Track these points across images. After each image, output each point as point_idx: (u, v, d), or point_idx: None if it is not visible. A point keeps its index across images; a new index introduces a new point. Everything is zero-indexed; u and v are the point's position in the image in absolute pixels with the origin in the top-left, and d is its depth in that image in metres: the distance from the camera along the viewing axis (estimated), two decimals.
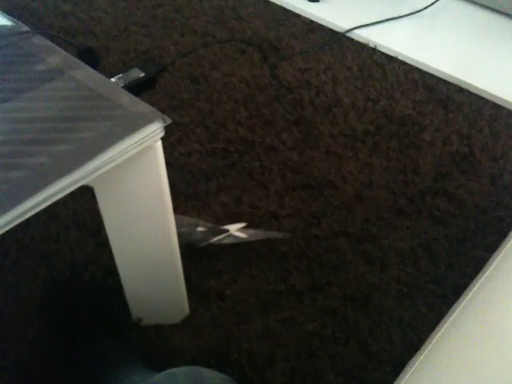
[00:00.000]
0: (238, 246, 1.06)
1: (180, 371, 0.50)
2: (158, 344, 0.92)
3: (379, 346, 0.92)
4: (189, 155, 1.24)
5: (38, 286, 1.00)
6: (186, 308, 0.94)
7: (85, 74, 0.74)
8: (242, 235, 1.06)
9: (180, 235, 0.83)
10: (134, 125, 0.66)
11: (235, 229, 1.05)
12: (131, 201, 0.75)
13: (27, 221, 0.59)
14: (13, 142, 0.64)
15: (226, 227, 1.05)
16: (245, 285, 1.01)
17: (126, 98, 0.70)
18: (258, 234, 1.07)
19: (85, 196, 1.14)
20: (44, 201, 0.59)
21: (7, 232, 0.57)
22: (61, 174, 0.60)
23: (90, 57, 0.82)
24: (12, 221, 0.57)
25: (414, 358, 0.90)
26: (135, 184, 0.73)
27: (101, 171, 0.64)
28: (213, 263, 1.04)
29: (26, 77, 0.73)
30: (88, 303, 0.90)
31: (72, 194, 1.16)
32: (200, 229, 1.04)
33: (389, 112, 1.35)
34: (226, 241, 1.05)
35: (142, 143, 0.66)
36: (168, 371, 0.51)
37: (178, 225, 0.82)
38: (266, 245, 1.07)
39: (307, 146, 1.26)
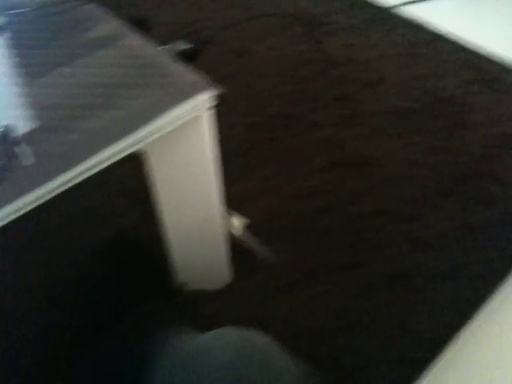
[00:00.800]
0: (278, 219, 1.07)
1: (229, 332, 0.50)
2: (200, 308, 0.93)
3: (420, 325, 0.92)
4: (231, 127, 1.24)
5: (85, 247, 1.02)
6: (228, 275, 0.96)
7: (137, 42, 0.75)
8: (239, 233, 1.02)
9: None
10: (184, 93, 0.66)
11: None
12: (180, 167, 0.76)
13: (78, 185, 0.61)
14: (68, 105, 0.65)
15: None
16: (285, 257, 1.01)
17: (177, 68, 0.70)
18: (250, 241, 1.03)
19: (132, 165, 1.15)
20: (99, 163, 0.60)
21: (59, 194, 0.59)
22: (115, 139, 0.61)
23: (141, 26, 0.82)
24: (69, 181, 0.58)
25: (455, 339, 0.90)
26: (184, 151, 0.73)
27: (152, 138, 0.65)
28: (255, 235, 1.04)
29: (80, 43, 0.74)
30: (135, 266, 0.91)
31: (120, 163, 1.19)
32: None
33: (435, 91, 1.32)
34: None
35: (192, 112, 0.66)
36: (217, 331, 0.52)
37: None
38: (310, 219, 1.07)
39: (351, 122, 1.25)
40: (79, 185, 0.61)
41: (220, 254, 0.92)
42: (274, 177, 1.15)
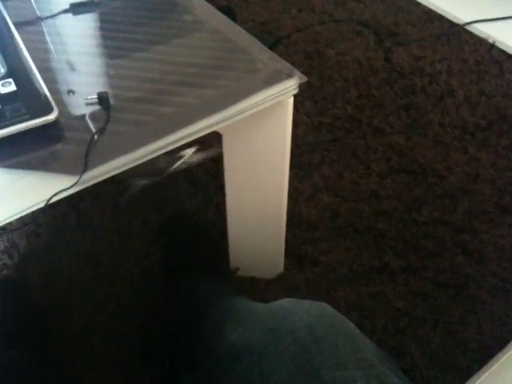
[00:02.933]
0: (334, 218, 1.09)
1: (300, 300, 0.52)
2: (252, 295, 0.96)
3: (468, 335, 0.92)
4: (296, 126, 1.27)
5: (147, 227, 1.07)
6: (281, 266, 0.98)
7: (228, 27, 0.78)
8: (194, 158, 1.04)
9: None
10: (272, 78, 0.69)
11: (190, 153, 1.03)
12: (254, 152, 0.79)
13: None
14: (163, 81, 0.69)
15: (181, 153, 1.03)
16: (339, 255, 1.03)
17: (266, 54, 0.74)
18: (207, 153, 1.04)
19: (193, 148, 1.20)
20: (186, 136, 0.64)
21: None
22: (204, 115, 0.65)
23: (228, 15, 0.86)
24: (157, 150, 0.62)
25: (502, 352, 0.89)
26: (261, 136, 0.76)
27: (234, 119, 0.68)
28: (310, 231, 1.07)
29: (176, 25, 0.78)
30: (193, 245, 0.95)
31: (181, 145, 1.23)
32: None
33: (502, 109, 1.31)
34: (182, 166, 1.04)
35: (277, 97, 0.69)
36: (284, 299, 0.54)
37: None
38: (365, 221, 1.08)
39: (415, 132, 1.25)
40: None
41: (278, 243, 0.94)
42: (333, 177, 1.17)
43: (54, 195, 0.54)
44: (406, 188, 1.15)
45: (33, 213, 0.54)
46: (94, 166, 0.57)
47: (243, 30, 0.78)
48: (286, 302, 0.52)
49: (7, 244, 1.01)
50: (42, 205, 0.54)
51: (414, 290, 0.98)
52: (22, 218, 0.54)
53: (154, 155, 0.62)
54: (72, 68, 0.70)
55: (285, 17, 1.59)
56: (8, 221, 0.53)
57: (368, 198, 1.13)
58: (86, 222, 1.07)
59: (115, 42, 0.75)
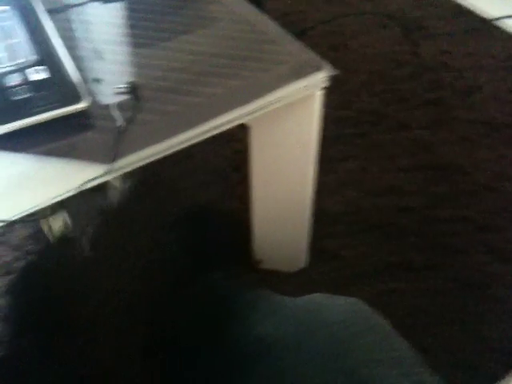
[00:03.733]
0: (357, 213, 1.08)
1: (332, 296, 0.52)
2: (272, 288, 0.96)
3: (490, 333, 0.91)
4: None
5: (167, 214, 1.07)
6: (303, 259, 0.98)
7: (256, 18, 0.78)
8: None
9: None
10: (301, 71, 0.69)
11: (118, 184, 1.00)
12: (281, 145, 0.79)
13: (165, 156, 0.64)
14: (191, 71, 0.69)
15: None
16: (360, 250, 1.03)
17: (295, 45, 0.73)
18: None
19: (218, 142, 1.20)
20: (215, 128, 0.64)
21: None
22: (232, 106, 0.65)
23: (256, 5, 0.86)
24: (186, 141, 0.62)
25: None
26: (289, 130, 0.76)
27: (262, 111, 0.68)
28: (332, 225, 1.06)
29: (204, 14, 0.78)
30: (216, 236, 0.95)
31: (206, 139, 1.22)
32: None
33: None
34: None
35: (306, 89, 0.69)
36: (315, 294, 0.54)
37: None
38: (388, 217, 1.08)
39: (441, 127, 1.24)
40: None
41: (302, 237, 0.94)
42: (356, 171, 1.17)
43: (85, 183, 0.54)
44: (429, 184, 1.14)
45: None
46: (124, 155, 0.58)
47: (272, 21, 0.78)
48: (318, 297, 0.52)
49: (35, 230, 1.02)
50: (72, 192, 0.54)
51: (435, 288, 0.98)
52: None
53: (182, 146, 0.62)
54: (101, 57, 0.70)
55: (310, 8, 1.58)
56: (38, 208, 0.54)
57: (391, 193, 1.12)
58: (104, 211, 1.07)
59: (144, 31, 0.75)
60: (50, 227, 0.92)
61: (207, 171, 1.16)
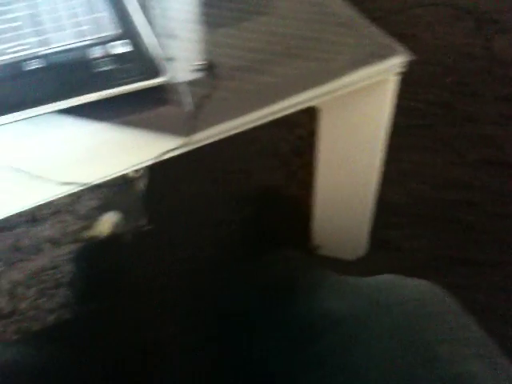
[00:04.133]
0: (420, 205, 1.06)
1: (401, 277, 0.52)
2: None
3: None
4: None
5: (227, 195, 1.09)
6: (363, 248, 0.98)
7: (334, 1, 0.78)
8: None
9: None
10: (376, 55, 0.68)
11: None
12: (351, 130, 0.79)
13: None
14: (265, 51, 0.69)
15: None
16: (422, 243, 1.01)
17: (371, 29, 0.73)
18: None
19: (282, 127, 1.20)
20: (287, 108, 0.64)
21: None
22: (305, 87, 0.65)
23: None
24: (259, 119, 0.63)
25: None
26: (360, 115, 0.76)
27: (336, 94, 0.68)
28: (395, 216, 1.05)
29: None
30: (279, 219, 0.96)
31: (270, 122, 1.23)
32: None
33: None
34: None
35: (381, 74, 0.68)
36: (384, 275, 0.53)
37: None
38: (452, 211, 1.05)
39: (511, 123, 1.20)
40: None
41: (363, 225, 0.94)
42: (421, 163, 1.15)
43: (164, 153, 0.56)
44: (496, 180, 1.10)
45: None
46: (199, 129, 0.59)
47: (347, 5, 0.77)
48: (389, 277, 0.52)
49: (101, 203, 1.06)
50: (151, 161, 0.56)
51: (496, 285, 0.95)
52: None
53: (255, 124, 0.63)
54: (179, 34, 0.72)
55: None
56: (118, 174, 0.56)
57: (457, 187, 1.10)
58: (172, 184, 1.10)
59: (220, 10, 0.76)
60: (100, 228, 0.95)
61: (270, 155, 1.16)
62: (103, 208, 1.04)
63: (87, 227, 1.04)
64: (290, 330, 0.52)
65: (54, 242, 1.02)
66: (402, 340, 0.42)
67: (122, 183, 1.01)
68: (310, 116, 1.23)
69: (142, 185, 1.02)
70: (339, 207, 0.91)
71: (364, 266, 0.97)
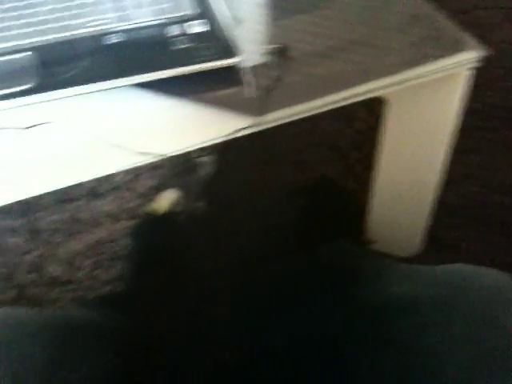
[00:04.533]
0: (479, 208, 1.04)
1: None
2: None
3: None
4: None
5: (283, 184, 1.10)
6: (418, 245, 0.97)
7: None
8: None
9: None
10: (450, 48, 0.68)
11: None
12: (418, 123, 0.78)
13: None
14: (339, 38, 0.69)
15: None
16: (480, 246, 0.99)
17: (446, 23, 0.72)
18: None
19: (340, 120, 1.20)
20: (356, 95, 0.64)
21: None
22: (376, 76, 0.65)
23: None
24: (329, 104, 0.63)
25: None
26: (429, 109, 0.75)
27: (406, 85, 0.67)
28: (453, 217, 1.04)
29: None
30: (335, 211, 0.96)
31: (329, 114, 1.23)
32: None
33: None
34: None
35: (454, 68, 0.68)
36: (465, 264, 0.53)
37: None
38: (509, 216, 1.03)
39: None
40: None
41: (420, 223, 0.93)
42: (480, 166, 1.12)
43: (235, 131, 0.57)
44: None
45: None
46: (270, 110, 0.60)
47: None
48: (462, 266, 0.51)
49: (159, 182, 1.09)
50: (223, 138, 0.57)
51: None
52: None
53: (324, 109, 0.64)
54: (253, 17, 0.73)
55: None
56: (190, 149, 0.57)
57: None
58: (224, 172, 1.11)
59: None
60: (159, 204, 0.97)
61: (327, 147, 1.16)
62: (161, 188, 1.07)
63: (145, 205, 1.06)
64: (358, 312, 0.52)
65: (112, 217, 1.05)
66: (480, 326, 0.41)
67: (187, 164, 1.03)
68: (369, 110, 1.23)
69: (206, 168, 1.04)
70: (397, 203, 0.91)
71: (419, 263, 0.96)
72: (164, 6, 0.67)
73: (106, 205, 1.07)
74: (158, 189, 1.07)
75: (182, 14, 0.67)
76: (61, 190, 1.07)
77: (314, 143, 1.17)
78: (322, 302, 0.59)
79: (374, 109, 1.23)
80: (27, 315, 0.47)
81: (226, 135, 0.57)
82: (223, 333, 0.78)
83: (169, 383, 0.63)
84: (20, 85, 0.60)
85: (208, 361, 0.76)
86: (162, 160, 0.57)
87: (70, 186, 0.59)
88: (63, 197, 1.07)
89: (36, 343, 0.44)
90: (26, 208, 1.06)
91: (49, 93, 0.59)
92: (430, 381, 0.40)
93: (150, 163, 0.57)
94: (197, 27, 0.65)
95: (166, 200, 0.93)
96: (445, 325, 0.43)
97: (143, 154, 0.55)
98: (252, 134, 0.60)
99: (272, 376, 0.62)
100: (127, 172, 1.10)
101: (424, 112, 0.77)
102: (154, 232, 0.96)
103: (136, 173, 1.09)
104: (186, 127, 0.59)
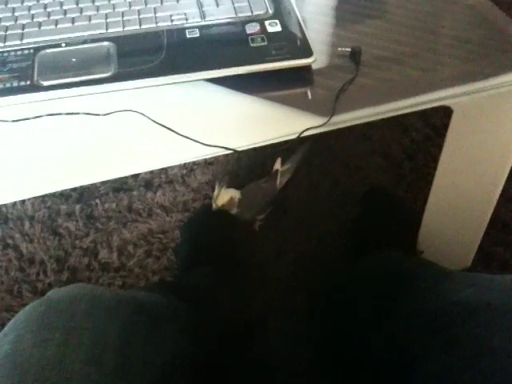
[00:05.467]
0: None
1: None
2: None
3: None
4: None
5: (337, 189, 1.10)
6: (469, 260, 0.95)
7: (483, 5, 0.76)
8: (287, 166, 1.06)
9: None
10: None
11: (279, 165, 1.05)
12: (482, 137, 0.77)
13: (339, 133, 0.65)
14: (412, 45, 0.70)
15: (274, 169, 1.04)
16: None
17: None
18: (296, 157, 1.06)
19: (397, 129, 1.19)
20: (425, 102, 0.64)
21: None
22: (446, 85, 0.65)
23: None
24: (400, 109, 0.63)
25: None
26: (494, 123, 0.74)
27: (476, 95, 0.67)
28: (506, 233, 1.02)
29: None
30: (387, 220, 0.96)
31: (384, 124, 1.22)
32: (263, 184, 1.02)
33: None
34: (284, 179, 1.04)
35: None
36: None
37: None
38: None
39: None
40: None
41: (474, 237, 0.91)
42: None
43: (305, 130, 0.58)
44: None
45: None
46: (341, 112, 0.61)
47: (499, 10, 0.76)
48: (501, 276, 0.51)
49: (211, 178, 1.10)
50: (293, 136, 0.58)
51: None
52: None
53: (395, 113, 0.64)
54: (327, 20, 0.74)
55: None
56: (258, 145, 0.59)
57: None
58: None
59: (372, 2, 0.77)
60: (217, 196, 0.97)
61: (380, 156, 1.16)
62: (213, 183, 1.08)
63: (196, 199, 1.08)
64: (418, 317, 0.53)
65: (165, 209, 1.07)
66: None
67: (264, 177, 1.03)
68: (425, 120, 1.22)
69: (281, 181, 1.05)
70: (452, 215, 0.90)
71: None
72: (241, 4, 0.68)
73: (159, 197, 1.09)
74: (210, 185, 1.09)
75: (257, 13, 0.68)
76: (119, 179, 1.10)
77: (370, 150, 1.17)
78: (381, 308, 0.60)
79: (430, 119, 1.22)
80: (102, 292, 0.48)
81: (295, 134, 0.58)
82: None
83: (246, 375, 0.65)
84: (98, 73, 0.62)
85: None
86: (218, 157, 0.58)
87: (127, 176, 0.60)
88: (120, 186, 1.10)
89: (112, 319, 0.46)
90: (83, 194, 1.09)
91: (126, 82, 0.61)
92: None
93: (205, 159, 0.58)
94: (271, 27, 0.66)
95: (227, 196, 0.94)
96: (507, 331, 0.43)
97: (212, 146, 0.56)
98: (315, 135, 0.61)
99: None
100: (183, 166, 1.12)
101: (489, 126, 0.76)
102: (207, 226, 0.98)
103: (191, 168, 1.11)
104: (255, 124, 0.60)
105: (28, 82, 0.60)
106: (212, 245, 0.92)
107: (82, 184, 0.59)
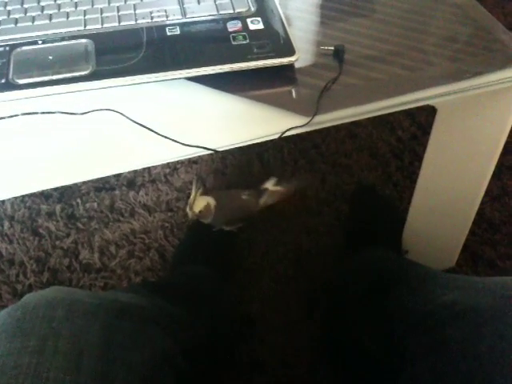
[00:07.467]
0: None
1: None
2: None
3: None
4: None
5: (325, 187, 1.09)
6: (454, 260, 0.95)
7: (469, 4, 0.76)
8: (279, 189, 0.93)
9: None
10: (505, 61, 0.66)
11: (272, 185, 0.93)
12: (465, 137, 0.77)
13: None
14: (398, 44, 0.68)
15: (264, 187, 0.93)
16: None
17: (507, 36, 0.70)
18: (291, 185, 0.95)
19: (384, 127, 1.19)
20: (412, 101, 0.63)
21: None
22: (432, 84, 0.64)
23: None
24: (384, 108, 0.62)
25: None
26: (479, 122, 0.74)
27: (461, 94, 0.66)
28: (491, 233, 1.02)
29: None
30: (374, 218, 0.95)
31: (371, 122, 1.21)
32: (244, 196, 0.91)
33: None
34: (269, 200, 0.92)
35: (506, 82, 0.66)
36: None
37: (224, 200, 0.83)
38: None
39: None
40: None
41: (459, 236, 0.91)
42: None
43: (287, 130, 0.57)
44: None
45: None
46: (325, 111, 0.59)
47: (485, 10, 0.75)
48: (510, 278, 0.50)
49: (195, 176, 1.09)
50: (275, 136, 0.57)
51: None
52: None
53: (379, 113, 0.63)
54: (310, 18, 0.72)
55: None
56: (240, 145, 0.57)
57: None
58: (268, 172, 1.11)
59: (359, 1, 0.76)
60: (192, 204, 0.94)
61: (367, 154, 1.15)
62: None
63: (180, 199, 1.07)
64: (405, 318, 0.52)
65: (148, 209, 1.06)
66: None
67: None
68: (412, 119, 1.21)
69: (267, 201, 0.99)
70: (436, 215, 0.89)
71: None
72: (223, 2, 0.67)
73: (142, 196, 1.07)
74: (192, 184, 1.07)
75: (239, 10, 0.67)
76: (101, 178, 1.07)
77: (356, 148, 1.17)
78: (368, 309, 0.59)
79: (416, 118, 1.22)
80: (81, 295, 0.47)
81: (277, 134, 0.57)
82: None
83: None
84: (76, 71, 0.60)
85: None
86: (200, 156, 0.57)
87: (109, 176, 0.59)
88: (101, 185, 1.09)
89: (91, 324, 0.44)
90: (64, 194, 1.07)
91: (104, 80, 0.60)
92: None
93: (188, 158, 0.56)
94: (253, 25, 0.65)
95: (203, 202, 0.89)
96: (494, 335, 0.43)
97: (192, 146, 0.55)
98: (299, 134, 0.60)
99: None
100: (166, 165, 1.10)
101: (473, 125, 0.76)
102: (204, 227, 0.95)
103: (175, 167, 1.10)
104: (237, 124, 0.58)
105: (3, 81, 0.59)
106: (205, 246, 0.91)
107: (61, 184, 0.57)
